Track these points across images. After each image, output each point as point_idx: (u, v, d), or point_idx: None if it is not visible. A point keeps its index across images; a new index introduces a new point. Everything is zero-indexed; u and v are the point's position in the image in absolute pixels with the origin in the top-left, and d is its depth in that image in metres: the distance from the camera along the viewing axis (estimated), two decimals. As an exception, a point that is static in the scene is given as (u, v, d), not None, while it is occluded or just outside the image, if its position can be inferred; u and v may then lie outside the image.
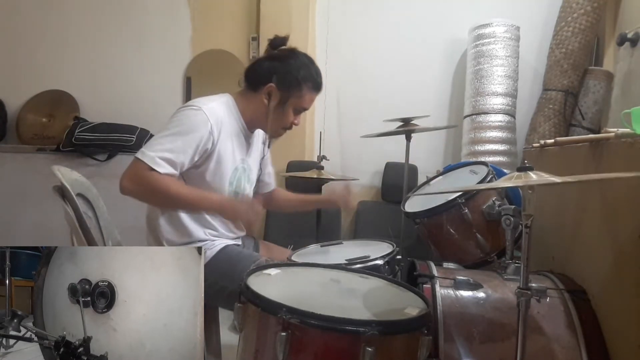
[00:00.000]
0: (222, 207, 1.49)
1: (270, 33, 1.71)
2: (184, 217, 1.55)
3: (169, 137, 1.43)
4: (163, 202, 1.52)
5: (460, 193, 1.66)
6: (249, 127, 1.65)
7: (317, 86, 1.61)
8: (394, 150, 2.93)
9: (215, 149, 1.51)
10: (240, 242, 1.74)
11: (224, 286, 1.50)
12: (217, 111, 1.51)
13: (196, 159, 1.48)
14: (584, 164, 1.44)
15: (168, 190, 1.42)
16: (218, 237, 1.62)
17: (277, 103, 1.57)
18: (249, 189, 1.72)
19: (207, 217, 1.58)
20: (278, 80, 1.55)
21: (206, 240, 1.59)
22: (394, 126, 2.28)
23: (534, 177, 1.03)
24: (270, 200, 1.94)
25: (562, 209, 1.65)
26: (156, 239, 1.57)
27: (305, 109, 1.63)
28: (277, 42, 1.62)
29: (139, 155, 1.40)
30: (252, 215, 1.48)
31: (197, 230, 1.57)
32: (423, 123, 2.27)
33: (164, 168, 1.40)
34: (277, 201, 1.95)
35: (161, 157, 1.40)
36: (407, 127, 2.23)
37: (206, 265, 1.52)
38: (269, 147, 1.81)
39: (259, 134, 1.75)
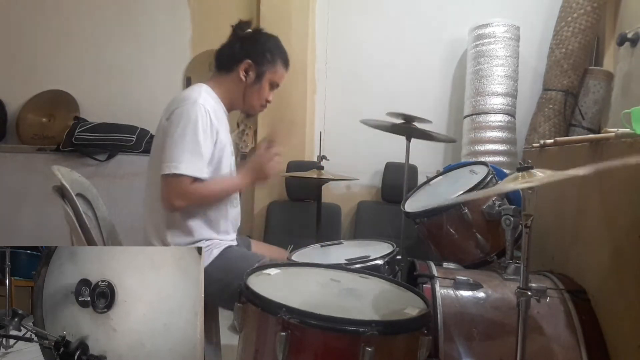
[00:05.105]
0: (252, 179, 1.63)
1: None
2: (189, 218, 1.55)
3: (188, 140, 1.45)
4: (211, 204, 1.60)
5: (460, 193, 1.66)
6: (229, 109, 1.70)
7: (287, 62, 1.70)
8: (394, 150, 2.92)
9: (218, 138, 1.55)
10: (236, 243, 1.74)
11: (228, 284, 1.50)
12: (209, 100, 1.55)
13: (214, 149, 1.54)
14: (584, 164, 1.44)
15: (212, 193, 1.55)
16: (219, 238, 1.62)
17: (254, 78, 1.64)
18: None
19: (212, 218, 1.59)
20: (254, 56, 1.63)
21: (211, 240, 1.59)
22: (395, 126, 2.28)
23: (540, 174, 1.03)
24: None
25: (562, 209, 1.65)
26: (161, 239, 1.56)
27: (277, 85, 1.71)
28: (244, 26, 1.69)
29: (176, 170, 1.43)
30: (273, 163, 1.61)
31: (202, 230, 1.57)
32: (424, 125, 2.27)
33: (203, 172, 1.47)
34: None
35: (197, 163, 1.45)
36: (408, 124, 2.22)
37: (210, 265, 1.52)
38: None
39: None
